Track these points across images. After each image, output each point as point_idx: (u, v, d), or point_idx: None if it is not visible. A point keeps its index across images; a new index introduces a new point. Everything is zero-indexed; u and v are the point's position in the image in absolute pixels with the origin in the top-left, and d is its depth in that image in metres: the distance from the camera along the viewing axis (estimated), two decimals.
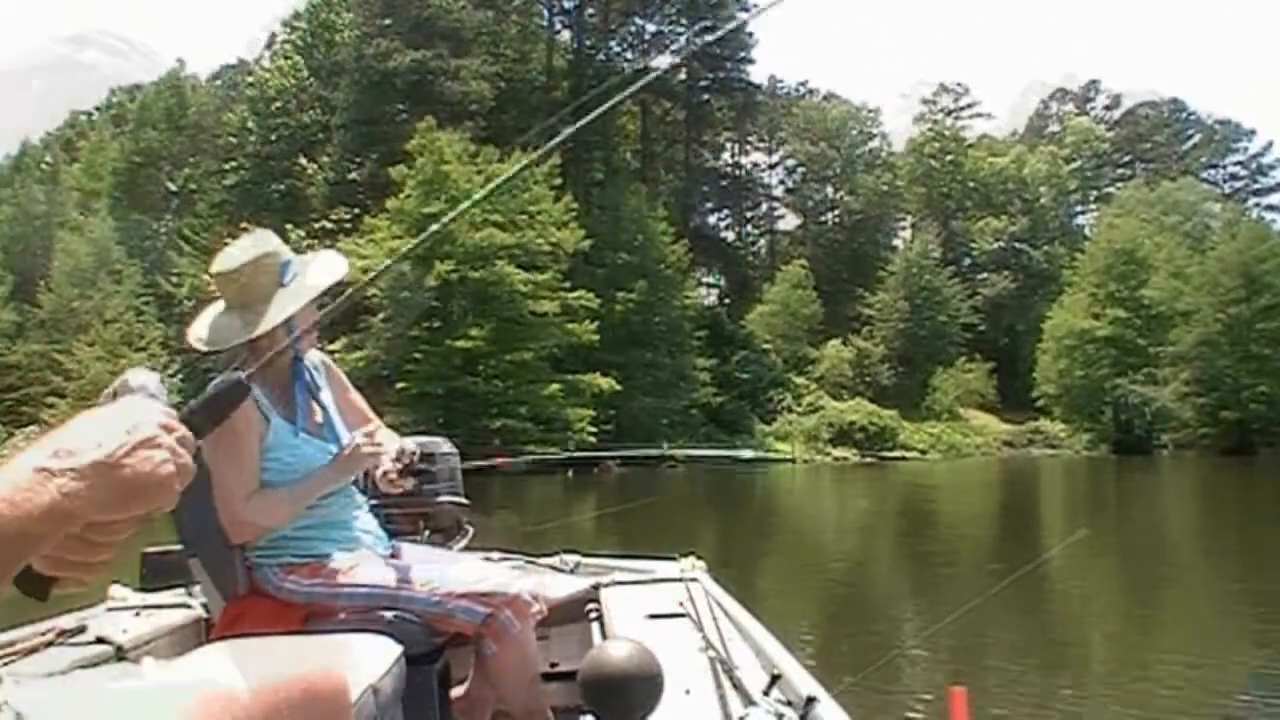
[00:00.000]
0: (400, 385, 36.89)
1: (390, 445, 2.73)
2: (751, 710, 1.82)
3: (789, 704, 1.88)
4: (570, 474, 33.19)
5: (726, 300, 64.19)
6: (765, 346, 54.14)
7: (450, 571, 2.53)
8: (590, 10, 59.87)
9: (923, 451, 49.71)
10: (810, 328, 56.88)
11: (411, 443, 2.75)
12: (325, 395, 2.73)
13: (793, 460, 44.40)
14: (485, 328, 37.76)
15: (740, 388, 49.47)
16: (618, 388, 40.72)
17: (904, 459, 47.14)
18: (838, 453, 47.73)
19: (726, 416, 47.11)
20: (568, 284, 40.46)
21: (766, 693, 1.93)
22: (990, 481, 32.61)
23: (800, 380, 53.67)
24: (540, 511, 18.87)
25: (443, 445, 3.68)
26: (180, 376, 31.64)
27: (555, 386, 38.72)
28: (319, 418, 2.67)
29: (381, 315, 38.85)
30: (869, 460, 46.19)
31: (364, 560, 2.56)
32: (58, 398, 36.16)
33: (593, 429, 38.92)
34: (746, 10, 61.10)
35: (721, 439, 45.44)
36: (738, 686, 1.96)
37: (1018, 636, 7.88)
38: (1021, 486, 30.09)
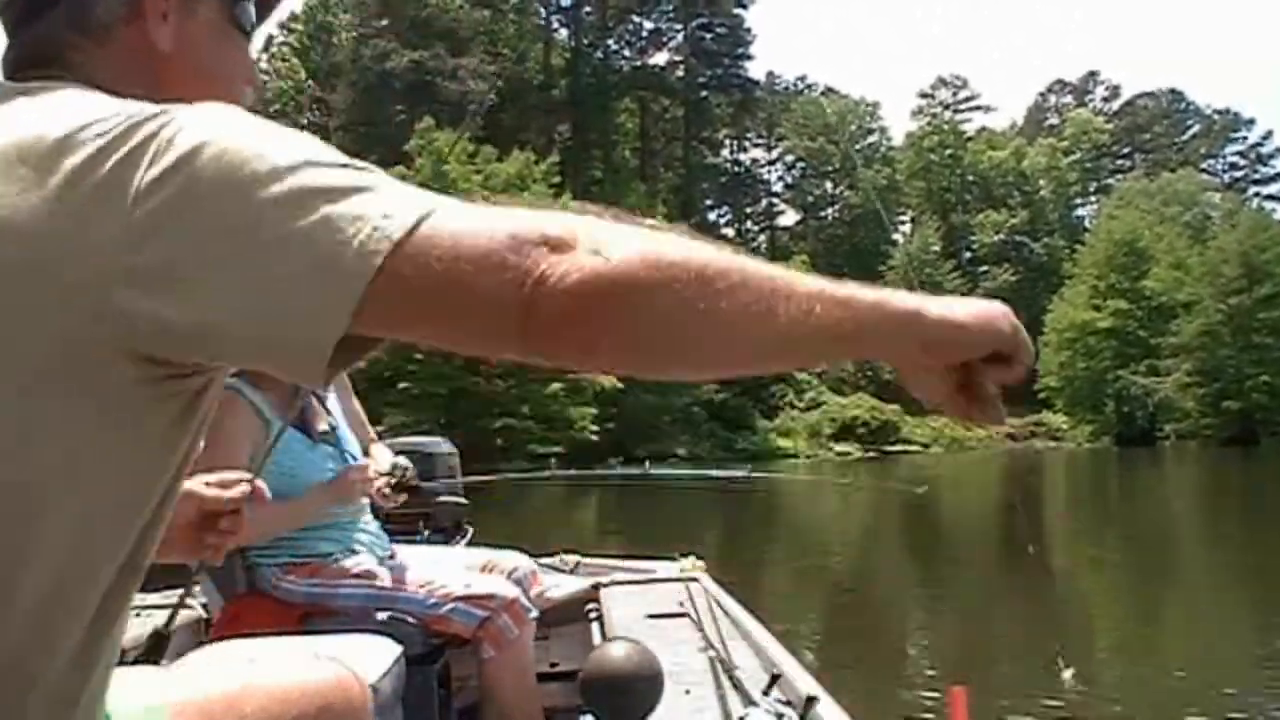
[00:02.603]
0: (402, 385, 36.87)
1: (383, 459, 2.74)
2: (751, 710, 1.81)
3: (789, 704, 1.88)
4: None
5: None
6: None
7: (448, 574, 2.53)
8: (587, 8, 59.87)
9: (925, 445, 49.72)
10: None
11: (405, 459, 2.75)
12: (332, 400, 2.71)
13: (791, 464, 44.42)
14: None
15: (742, 384, 49.44)
16: (620, 386, 40.69)
17: (907, 453, 47.12)
18: (840, 448, 47.74)
19: (729, 413, 47.11)
20: None
21: (766, 693, 1.93)
22: (993, 475, 32.57)
23: (802, 376, 53.67)
24: (540, 511, 18.90)
25: (442, 445, 3.68)
26: None
27: (557, 385, 38.66)
28: (323, 424, 2.64)
29: None
30: (871, 455, 46.17)
31: (362, 560, 2.56)
32: None
33: (595, 427, 38.93)
34: (743, 7, 61.28)
35: (724, 435, 45.46)
36: (738, 686, 1.96)
37: (1018, 636, 7.86)
38: (1024, 480, 30.05)
